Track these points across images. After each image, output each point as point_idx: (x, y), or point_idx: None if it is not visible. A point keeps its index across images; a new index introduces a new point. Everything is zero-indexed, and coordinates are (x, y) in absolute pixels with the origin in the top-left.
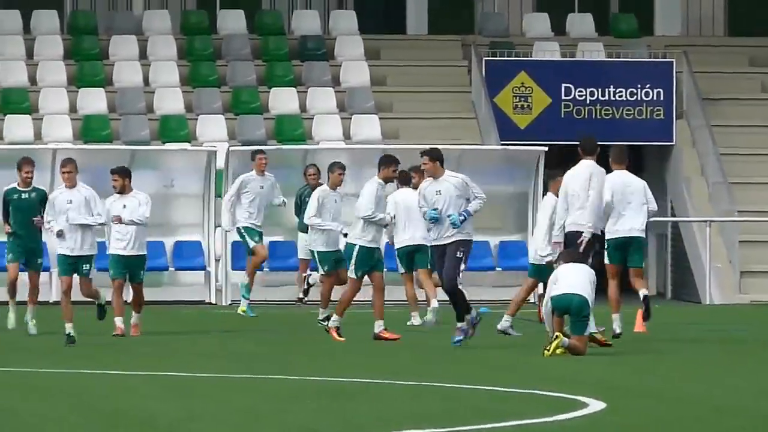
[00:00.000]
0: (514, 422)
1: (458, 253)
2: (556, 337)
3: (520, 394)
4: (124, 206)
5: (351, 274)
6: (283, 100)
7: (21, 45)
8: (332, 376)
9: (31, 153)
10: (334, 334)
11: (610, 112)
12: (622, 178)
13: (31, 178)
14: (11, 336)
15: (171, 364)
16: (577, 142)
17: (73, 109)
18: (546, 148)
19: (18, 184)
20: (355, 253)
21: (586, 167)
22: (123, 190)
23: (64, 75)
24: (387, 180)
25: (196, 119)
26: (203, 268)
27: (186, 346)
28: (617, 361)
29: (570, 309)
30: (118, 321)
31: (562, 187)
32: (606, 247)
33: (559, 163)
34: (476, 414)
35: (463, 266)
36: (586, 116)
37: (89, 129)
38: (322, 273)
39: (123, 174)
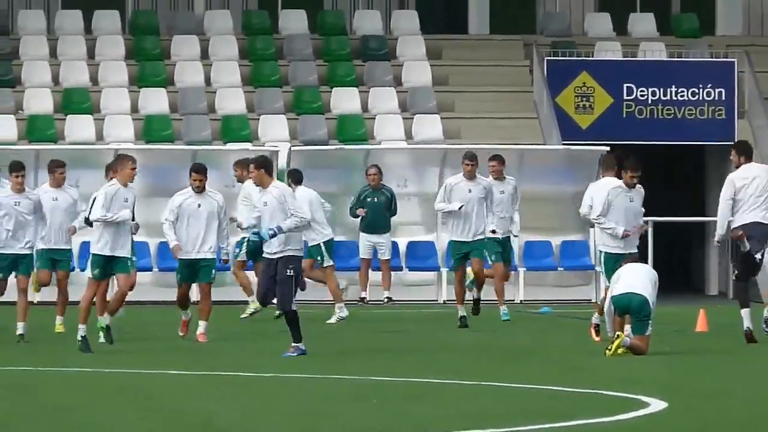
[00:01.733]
0: (575, 422)
1: (288, 271)
2: (618, 336)
3: (582, 393)
4: (199, 205)
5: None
6: (344, 100)
7: (82, 45)
8: (393, 376)
9: (92, 153)
10: (593, 332)
11: (672, 111)
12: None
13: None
14: (71, 336)
15: (231, 364)
16: (642, 142)
17: (134, 109)
18: (608, 148)
19: None
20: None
21: (761, 170)
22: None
23: (125, 75)
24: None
25: (258, 119)
26: None
27: (246, 346)
28: (679, 360)
29: (630, 308)
30: (185, 315)
31: (729, 187)
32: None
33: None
34: (537, 414)
35: (294, 285)
36: (647, 116)
37: (151, 129)
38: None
39: (206, 173)
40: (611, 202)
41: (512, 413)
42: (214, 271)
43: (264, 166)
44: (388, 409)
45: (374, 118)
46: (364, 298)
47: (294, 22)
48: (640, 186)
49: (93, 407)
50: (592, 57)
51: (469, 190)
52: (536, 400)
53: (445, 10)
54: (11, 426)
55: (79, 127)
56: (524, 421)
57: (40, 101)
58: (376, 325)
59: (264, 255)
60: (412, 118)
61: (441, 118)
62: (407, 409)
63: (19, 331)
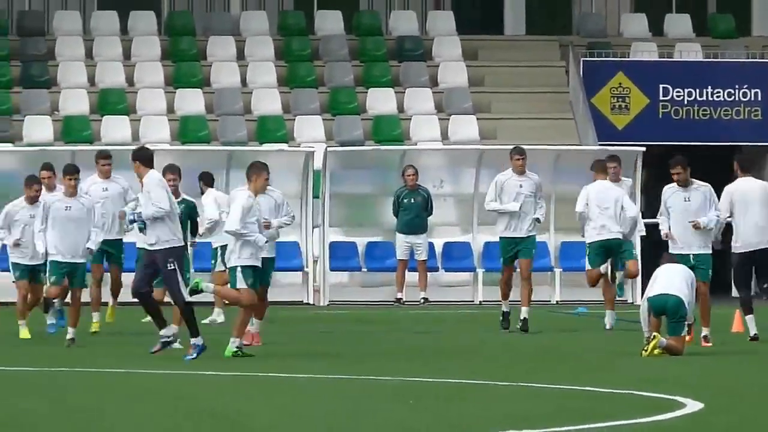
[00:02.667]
0: (612, 423)
1: (169, 265)
2: (654, 337)
3: (618, 394)
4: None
5: None
6: (380, 101)
7: (118, 46)
8: (429, 377)
9: (128, 154)
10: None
11: (708, 112)
12: (602, 186)
13: (176, 186)
14: (103, 338)
15: (267, 365)
16: (676, 143)
17: (170, 110)
18: (644, 149)
19: None
20: None
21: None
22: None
23: (161, 76)
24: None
25: (294, 120)
26: (301, 268)
27: (283, 347)
28: (715, 361)
29: (666, 309)
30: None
31: (728, 199)
32: (587, 252)
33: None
34: (574, 415)
35: (180, 278)
36: (683, 117)
37: (187, 130)
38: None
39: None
40: (666, 202)
41: (549, 414)
42: (271, 273)
43: (139, 158)
44: (424, 409)
45: (410, 119)
46: (401, 298)
47: (330, 22)
48: (701, 183)
49: (122, 408)
50: (628, 57)
51: (520, 185)
52: (573, 400)
53: (481, 11)
54: (40, 427)
55: (114, 128)
56: (561, 421)
57: (76, 102)
58: (411, 326)
59: (143, 246)
60: (448, 119)
61: (477, 118)
62: (443, 409)
63: (69, 336)
